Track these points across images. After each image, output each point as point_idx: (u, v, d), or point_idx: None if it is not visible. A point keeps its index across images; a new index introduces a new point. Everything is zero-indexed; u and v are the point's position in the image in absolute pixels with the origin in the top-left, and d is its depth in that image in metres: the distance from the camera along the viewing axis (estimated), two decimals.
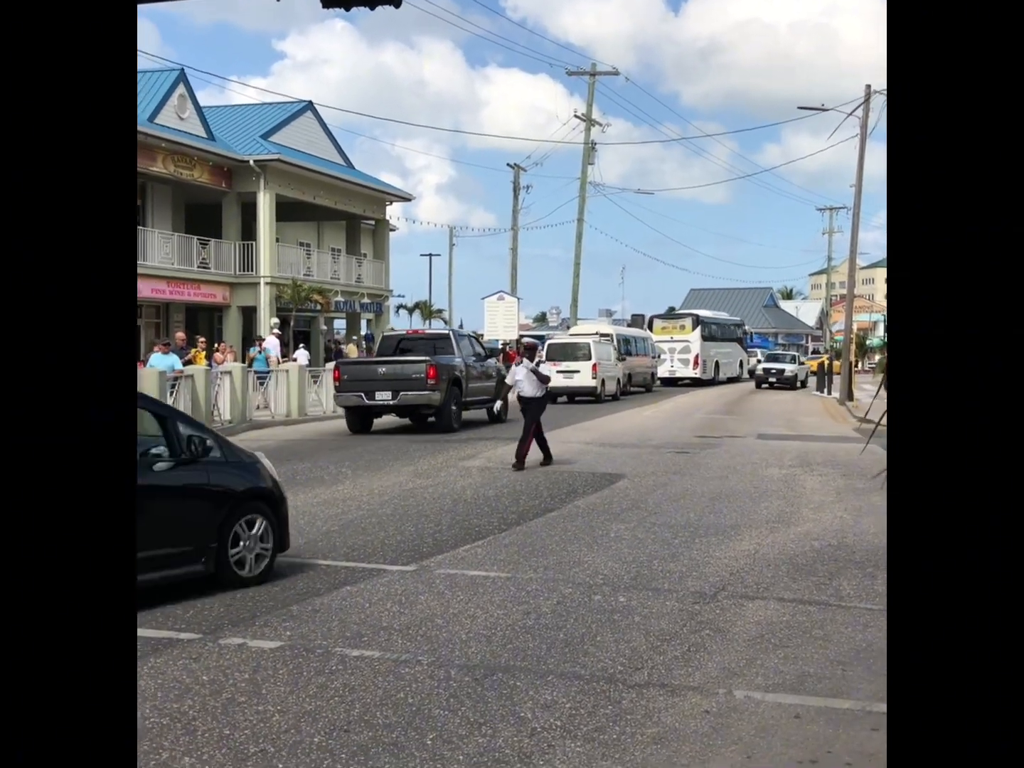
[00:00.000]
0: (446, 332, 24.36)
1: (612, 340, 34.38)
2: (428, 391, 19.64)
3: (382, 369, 20.06)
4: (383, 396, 19.73)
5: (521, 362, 15.40)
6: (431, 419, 20.64)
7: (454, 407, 20.47)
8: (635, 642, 6.11)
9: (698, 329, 43.28)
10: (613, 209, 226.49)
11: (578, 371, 29.81)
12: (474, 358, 22.16)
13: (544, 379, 15.27)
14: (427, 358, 20.13)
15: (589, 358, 30.18)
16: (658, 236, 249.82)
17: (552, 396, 27.52)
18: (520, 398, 15.36)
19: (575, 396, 30.25)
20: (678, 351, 42.79)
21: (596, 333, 35.19)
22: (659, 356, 41.10)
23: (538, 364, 15.67)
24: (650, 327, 44.35)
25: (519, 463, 14.54)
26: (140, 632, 6.28)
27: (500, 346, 37.58)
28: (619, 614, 6.75)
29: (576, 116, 47.19)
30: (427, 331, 25.12)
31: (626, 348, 36.01)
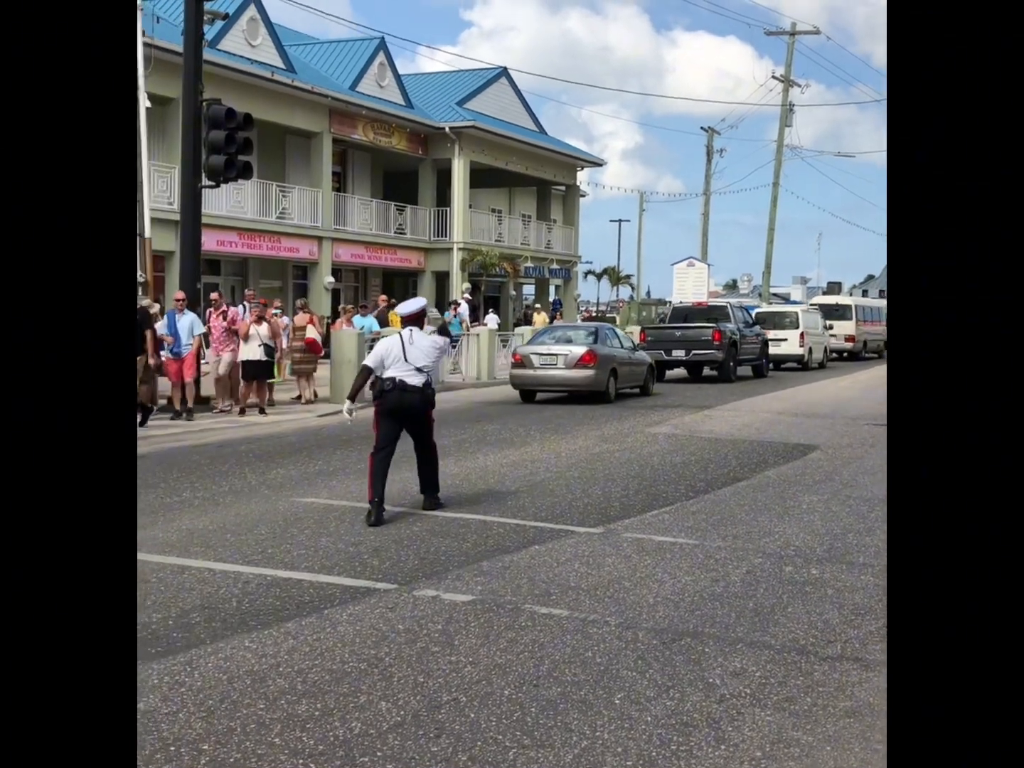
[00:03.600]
0: (724, 304, 28.99)
1: (850, 310, 36.92)
2: (714, 350, 24.68)
3: (678, 333, 25.27)
4: (678, 353, 25.00)
5: (410, 331, 8.91)
6: (713, 372, 25.37)
7: (731, 363, 25.16)
8: (828, 615, 5.97)
9: None
10: (808, 173, 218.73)
11: (785, 339, 30.63)
12: (743, 324, 26.91)
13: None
14: (713, 324, 25.05)
15: (796, 326, 31.06)
16: (855, 201, 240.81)
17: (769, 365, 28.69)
18: (400, 389, 8.68)
19: (781, 363, 30.84)
20: None
21: (835, 303, 38.15)
22: None
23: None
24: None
25: (435, 500, 9.03)
26: (340, 580, 6.56)
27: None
28: (811, 586, 6.60)
29: (774, 77, 45.91)
30: (708, 303, 29.62)
31: (863, 316, 37.82)
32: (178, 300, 16.57)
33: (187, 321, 16.33)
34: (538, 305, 35.72)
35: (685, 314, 27.52)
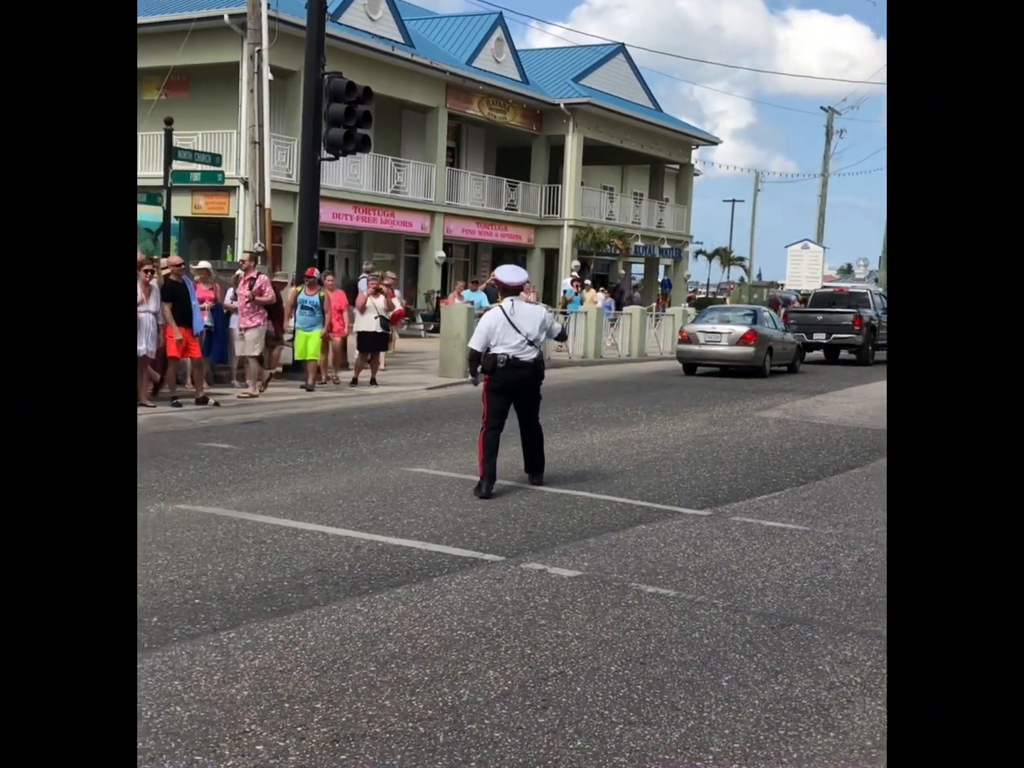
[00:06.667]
0: (864, 290, 29.90)
1: None
2: (853, 334, 26.04)
3: (819, 317, 26.67)
4: (819, 336, 26.30)
5: (511, 302, 8.78)
6: (852, 355, 26.65)
7: (870, 347, 26.31)
8: None
9: None
10: None
11: None
12: (882, 310, 27.45)
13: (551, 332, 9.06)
14: (853, 310, 26.36)
15: None
16: None
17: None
18: (514, 366, 8.61)
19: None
20: None
21: None
22: None
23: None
24: None
25: (538, 476, 9.06)
26: (449, 549, 6.65)
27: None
28: None
29: None
30: (849, 289, 30.72)
31: None
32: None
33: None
34: (587, 282, 35.20)
35: (829, 300, 28.67)
